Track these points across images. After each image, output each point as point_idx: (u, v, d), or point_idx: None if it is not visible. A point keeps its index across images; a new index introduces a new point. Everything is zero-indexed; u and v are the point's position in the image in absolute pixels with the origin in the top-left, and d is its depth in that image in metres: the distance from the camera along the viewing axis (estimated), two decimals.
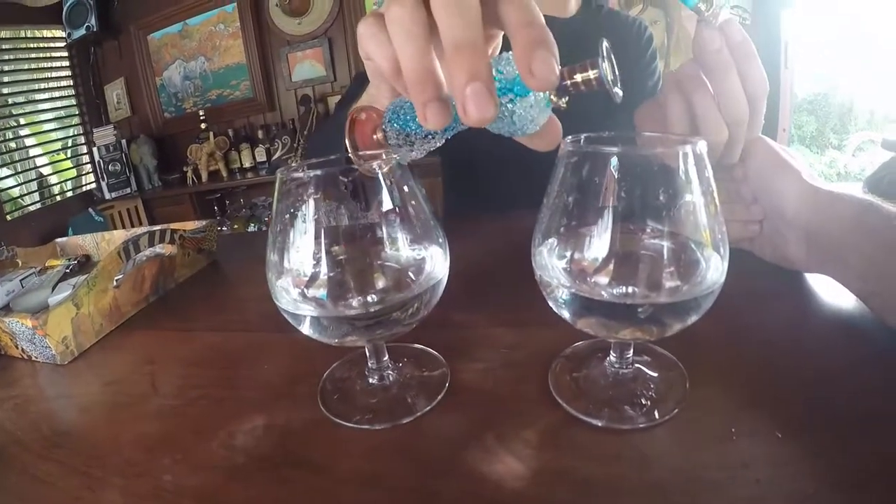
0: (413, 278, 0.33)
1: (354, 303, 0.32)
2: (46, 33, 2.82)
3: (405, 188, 0.32)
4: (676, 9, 2.13)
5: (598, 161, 0.27)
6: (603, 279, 0.29)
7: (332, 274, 0.32)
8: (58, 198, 2.89)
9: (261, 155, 2.83)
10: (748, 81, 0.39)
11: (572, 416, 0.32)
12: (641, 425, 0.31)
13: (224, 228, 2.48)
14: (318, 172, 0.30)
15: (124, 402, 0.40)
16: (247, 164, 2.87)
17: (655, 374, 0.35)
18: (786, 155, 0.42)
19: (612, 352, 0.35)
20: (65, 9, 2.76)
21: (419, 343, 0.42)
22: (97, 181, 2.94)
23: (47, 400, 0.42)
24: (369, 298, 0.32)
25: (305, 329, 0.32)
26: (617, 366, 0.35)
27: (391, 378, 0.37)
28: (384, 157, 0.30)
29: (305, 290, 0.32)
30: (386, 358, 0.37)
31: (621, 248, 0.29)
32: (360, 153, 0.30)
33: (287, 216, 0.31)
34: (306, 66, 2.74)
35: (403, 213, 0.32)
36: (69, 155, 3.00)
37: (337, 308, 0.32)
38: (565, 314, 0.31)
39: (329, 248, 0.31)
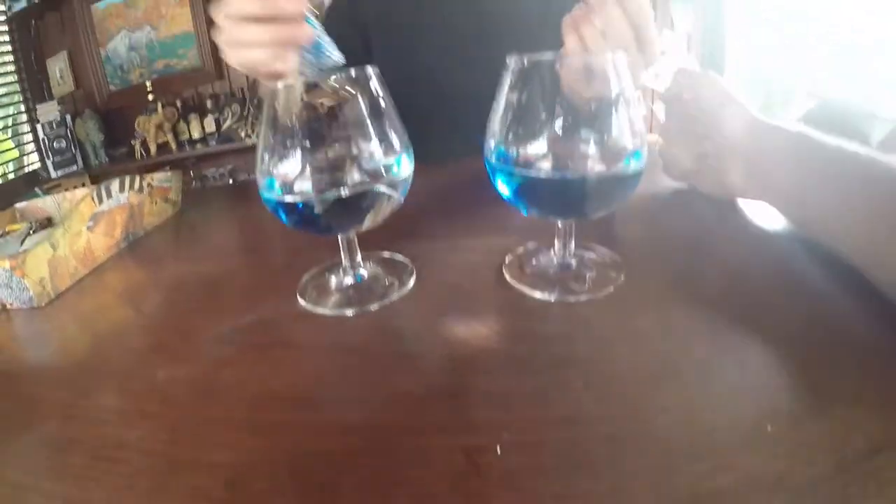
0: (384, 174, 0.37)
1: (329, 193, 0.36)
2: None
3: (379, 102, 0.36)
4: None
5: (542, 70, 0.33)
6: (545, 164, 0.34)
7: (313, 173, 0.36)
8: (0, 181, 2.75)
9: (210, 126, 2.73)
10: (627, 11, 0.46)
11: (525, 293, 0.37)
12: (583, 298, 0.36)
13: None
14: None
15: (109, 326, 0.42)
16: (196, 136, 2.78)
17: (595, 260, 0.41)
18: (733, 91, 0.47)
19: (555, 242, 0.40)
20: None
21: (387, 251, 0.46)
22: (42, 160, 2.80)
23: (28, 339, 0.43)
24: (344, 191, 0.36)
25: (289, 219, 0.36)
26: (561, 254, 0.40)
27: (364, 276, 0.42)
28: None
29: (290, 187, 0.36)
30: (359, 257, 0.41)
31: (560, 145, 0.34)
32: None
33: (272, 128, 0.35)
34: None
35: (378, 127, 0.36)
36: (10, 135, 2.85)
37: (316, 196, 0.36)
38: (509, 193, 0.36)
39: (310, 154, 0.35)
